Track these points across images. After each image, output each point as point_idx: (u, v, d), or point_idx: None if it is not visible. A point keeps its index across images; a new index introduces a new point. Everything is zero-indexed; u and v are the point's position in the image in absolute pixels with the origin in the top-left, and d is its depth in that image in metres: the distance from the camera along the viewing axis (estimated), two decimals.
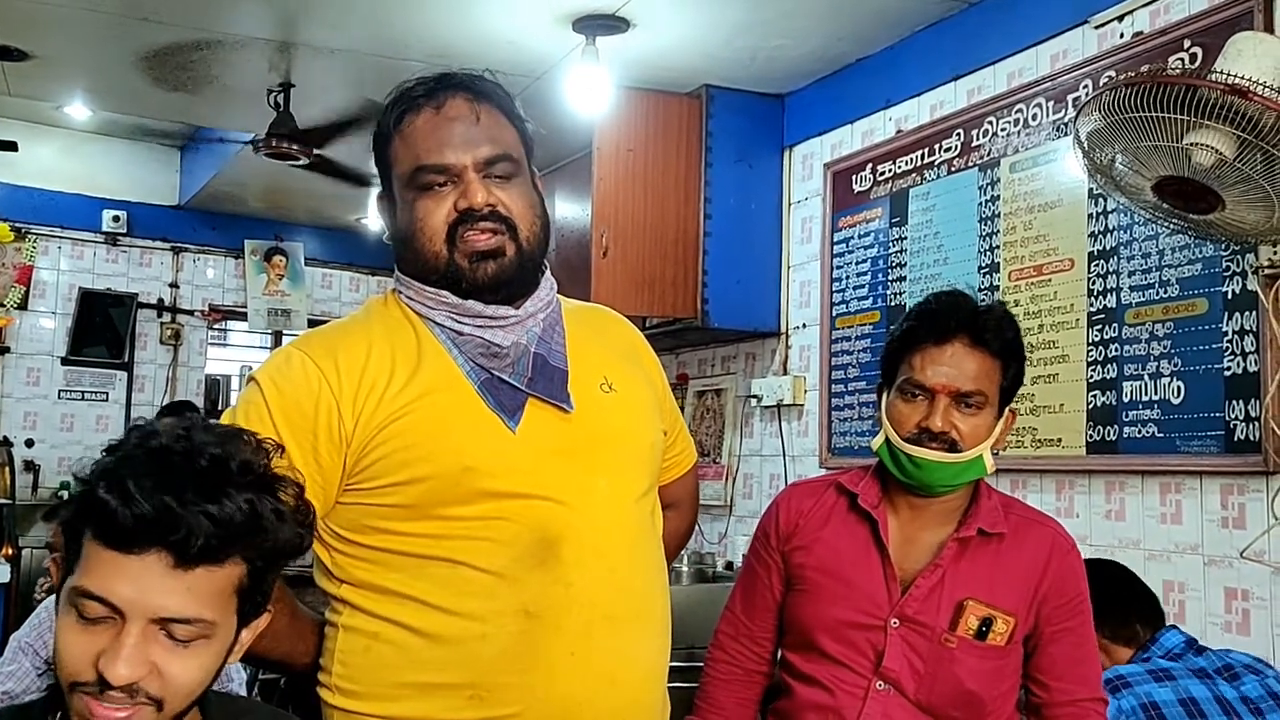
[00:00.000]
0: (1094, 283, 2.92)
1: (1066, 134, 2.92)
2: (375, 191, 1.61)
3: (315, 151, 4.67)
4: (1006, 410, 1.73)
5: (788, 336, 4.13)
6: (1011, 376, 1.71)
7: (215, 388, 6.46)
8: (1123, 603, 2.19)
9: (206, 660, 1.11)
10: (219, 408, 6.10)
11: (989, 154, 3.29)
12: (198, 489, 1.07)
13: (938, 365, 1.66)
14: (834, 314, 3.87)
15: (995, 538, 1.70)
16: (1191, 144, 2.12)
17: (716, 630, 1.87)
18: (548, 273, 1.54)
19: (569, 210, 4.43)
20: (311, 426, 1.39)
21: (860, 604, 1.69)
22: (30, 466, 5.87)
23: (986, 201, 3.29)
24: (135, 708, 1.06)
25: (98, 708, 1.05)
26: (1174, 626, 2.22)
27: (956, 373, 1.66)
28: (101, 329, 6.13)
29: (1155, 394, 2.73)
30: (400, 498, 1.39)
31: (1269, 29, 2.46)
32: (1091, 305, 2.92)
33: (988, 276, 3.26)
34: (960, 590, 1.67)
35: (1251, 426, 2.50)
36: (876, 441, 1.73)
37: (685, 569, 3.93)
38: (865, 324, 3.73)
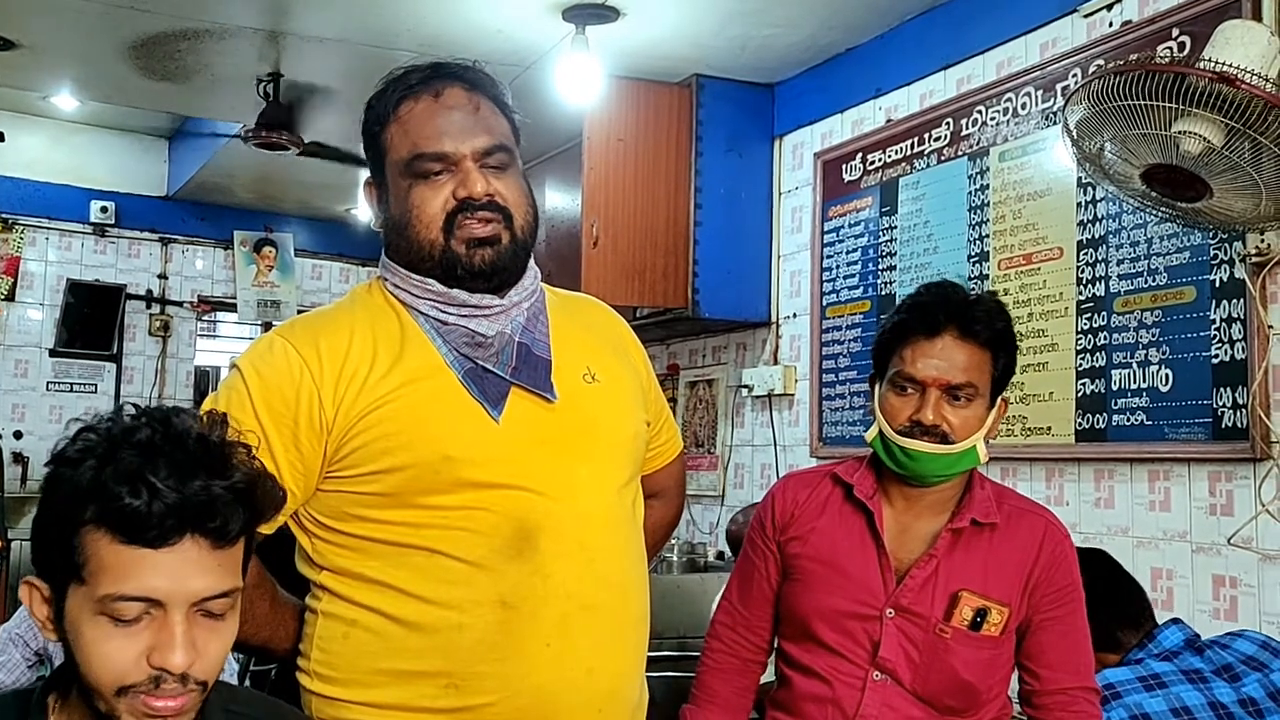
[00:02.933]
0: (1083, 271, 2.93)
1: (1055, 123, 2.92)
2: (363, 178, 1.60)
3: (306, 139, 4.65)
4: (999, 400, 1.73)
5: (778, 326, 4.14)
6: (1002, 367, 1.71)
7: (205, 379, 6.44)
8: (1103, 613, 2.07)
9: (234, 629, 1.12)
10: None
11: (978, 143, 3.29)
12: (209, 471, 1.07)
13: (928, 358, 1.66)
14: (824, 303, 3.88)
15: (988, 528, 1.71)
16: (1180, 132, 2.13)
17: (713, 619, 1.87)
18: (531, 262, 1.54)
19: (559, 200, 4.42)
20: (293, 414, 1.40)
21: (856, 594, 1.69)
22: (19, 459, 5.85)
23: (976, 190, 3.29)
24: (188, 695, 1.07)
25: (155, 701, 1.05)
26: (1176, 621, 2.13)
27: (947, 365, 1.66)
28: (90, 321, 6.10)
29: (1144, 382, 2.74)
30: (380, 486, 1.39)
31: (1257, 17, 2.47)
32: (1080, 294, 2.93)
33: (977, 265, 3.26)
34: (955, 581, 1.67)
35: (1239, 414, 2.51)
36: (870, 434, 1.73)
37: (676, 558, 3.94)
38: (856, 313, 3.74)
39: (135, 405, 1.15)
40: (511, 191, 1.47)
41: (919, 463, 1.67)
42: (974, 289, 3.17)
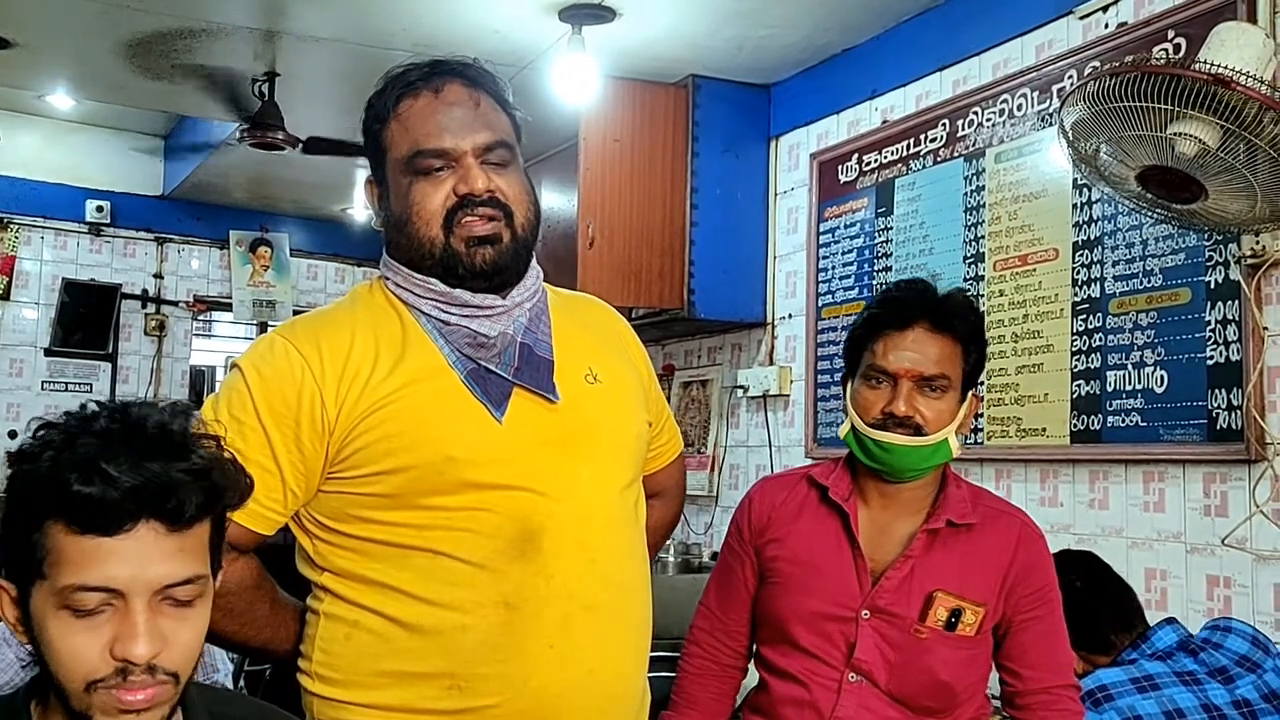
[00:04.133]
0: (1078, 272, 2.93)
1: (1051, 124, 2.93)
2: (363, 177, 1.60)
3: (302, 139, 4.63)
4: (970, 395, 1.74)
5: (774, 327, 4.14)
6: (974, 361, 1.73)
7: (200, 379, 6.44)
8: (1095, 615, 2.10)
9: (204, 618, 1.11)
10: (204, 399, 6.07)
11: (974, 144, 3.29)
12: (166, 455, 1.06)
13: (900, 350, 1.68)
14: (820, 304, 3.88)
15: (964, 528, 1.71)
16: (1175, 134, 2.13)
17: (692, 625, 1.87)
18: (534, 262, 1.54)
19: (555, 201, 4.42)
20: (294, 414, 1.39)
21: (832, 595, 1.69)
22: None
23: (972, 192, 3.29)
24: (159, 686, 1.05)
25: (125, 695, 1.04)
26: (1171, 621, 2.12)
27: (919, 356, 1.67)
28: (85, 320, 6.09)
29: (1139, 383, 2.74)
30: (382, 487, 1.39)
31: (1252, 19, 2.47)
32: (1076, 295, 2.93)
33: (973, 266, 3.27)
34: (930, 581, 1.68)
35: (1234, 415, 2.51)
36: (843, 429, 1.74)
37: (671, 559, 3.94)
38: (851, 314, 3.74)
39: (98, 401, 1.14)
40: (513, 188, 1.47)
41: (893, 455, 1.67)
42: (969, 290, 3.18)
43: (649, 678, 1.56)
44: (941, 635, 1.66)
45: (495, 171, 1.46)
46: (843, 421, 1.76)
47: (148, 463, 1.04)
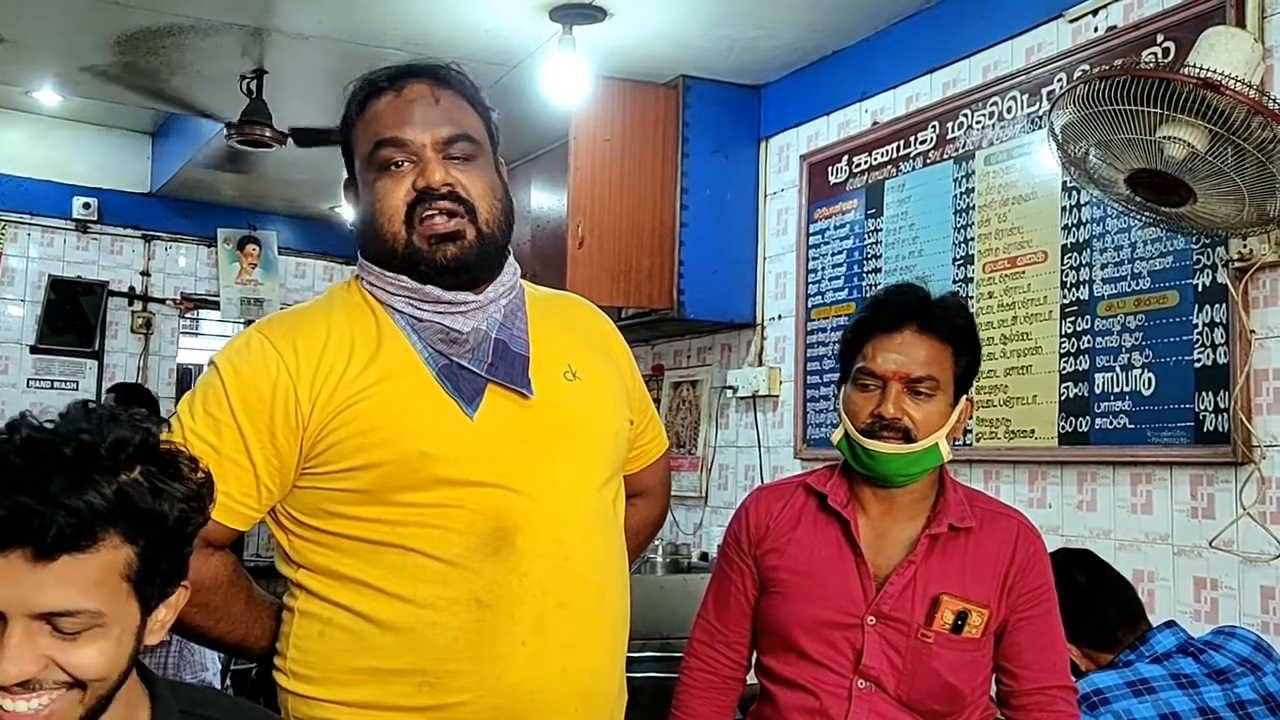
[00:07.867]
0: (1067, 275, 2.94)
1: (1041, 127, 2.94)
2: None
3: (290, 127, 4.60)
4: (963, 399, 1.74)
5: (763, 328, 4.14)
6: (965, 364, 1.73)
7: (187, 377, 6.40)
8: (1101, 611, 2.10)
9: (108, 646, 1.07)
10: None
11: (964, 147, 3.30)
12: (61, 478, 1.04)
13: (887, 352, 1.68)
14: (809, 305, 3.88)
15: (964, 532, 1.72)
16: (1164, 137, 2.14)
17: (690, 637, 1.86)
18: (511, 258, 1.54)
19: (545, 200, 4.41)
20: (269, 410, 1.39)
21: (836, 602, 1.69)
22: None
23: (961, 194, 3.30)
24: (47, 694, 1.05)
25: (4, 699, 1.04)
26: (1170, 624, 2.10)
27: (906, 359, 1.67)
28: (72, 317, 6.06)
29: (1127, 385, 2.75)
30: (356, 483, 1.39)
31: (1240, 24, 2.48)
32: (1064, 297, 2.94)
33: (962, 268, 3.27)
34: (934, 585, 1.68)
35: (1221, 418, 2.52)
36: (836, 435, 1.75)
37: (660, 559, 3.94)
38: (840, 315, 3.74)
39: (85, 403, 1.11)
40: (475, 184, 1.47)
41: (880, 462, 1.68)
42: (958, 292, 3.19)
43: (636, 677, 1.56)
44: (947, 639, 1.66)
45: (457, 166, 1.46)
46: (835, 425, 1.76)
47: (21, 491, 1.02)
